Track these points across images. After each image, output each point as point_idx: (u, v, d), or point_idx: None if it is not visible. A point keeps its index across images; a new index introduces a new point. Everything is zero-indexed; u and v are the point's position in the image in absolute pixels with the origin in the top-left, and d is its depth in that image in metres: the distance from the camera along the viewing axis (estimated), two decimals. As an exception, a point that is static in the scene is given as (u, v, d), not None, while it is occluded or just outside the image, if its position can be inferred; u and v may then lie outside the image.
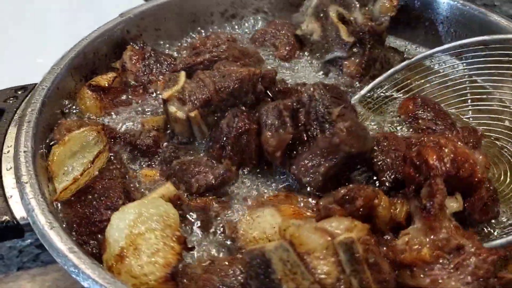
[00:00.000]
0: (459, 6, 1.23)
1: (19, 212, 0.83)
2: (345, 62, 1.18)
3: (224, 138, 0.93)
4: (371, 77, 1.18)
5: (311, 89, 0.89)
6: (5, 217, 0.81)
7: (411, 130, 1.06)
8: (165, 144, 0.98)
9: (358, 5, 1.22)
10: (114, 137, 0.98)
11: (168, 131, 1.01)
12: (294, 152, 0.88)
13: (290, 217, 0.78)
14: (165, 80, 0.96)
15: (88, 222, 0.83)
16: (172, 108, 0.94)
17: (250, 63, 1.16)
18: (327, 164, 0.84)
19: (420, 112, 1.05)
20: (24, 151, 0.88)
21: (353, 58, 1.18)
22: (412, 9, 1.29)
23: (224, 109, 0.96)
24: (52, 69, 1.06)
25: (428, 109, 1.05)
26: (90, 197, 0.86)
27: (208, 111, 0.96)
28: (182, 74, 0.95)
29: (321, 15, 1.24)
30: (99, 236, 0.81)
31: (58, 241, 0.74)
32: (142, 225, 0.73)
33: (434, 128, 1.02)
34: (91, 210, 0.84)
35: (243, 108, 0.97)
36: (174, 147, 0.95)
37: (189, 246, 0.73)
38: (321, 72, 1.23)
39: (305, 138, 0.88)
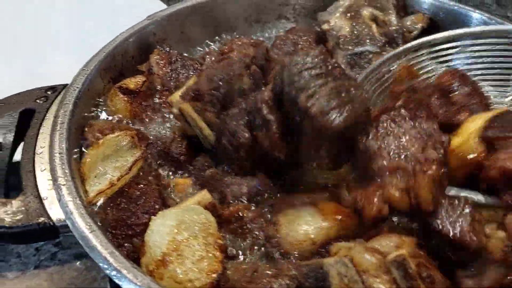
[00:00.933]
0: (486, 19, 1.25)
1: (54, 213, 0.83)
2: (375, 57, 1.20)
3: (236, 155, 0.90)
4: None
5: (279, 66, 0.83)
6: (42, 219, 0.82)
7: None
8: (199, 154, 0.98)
9: (394, 11, 1.26)
10: (145, 142, 0.99)
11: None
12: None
13: (333, 216, 0.79)
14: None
15: (124, 225, 0.83)
16: (173, 109, 0.94)
17: (277, 70, 1.17)
18: (323, 147, 0.79)
19: (455, 85, 1.00)
20: (59, 153, 0.88)
21: (384, 54, 1.19)
22: (443, 22, 1.30)
23: (222, 102, 0.94)
24: (82, 70, 1.06)
25: (466, 84, 0.99)
26: (125, 201, 0.87)
27: (202, 105, 0.93)
28: (193, 78, 0.95)
29: (353, 14, 1.27)
30: (135, 239, 0.82)
31: (98, 244, 0.74)
32: (185, 231, 0.74)
33: (467, 104, 0.96)
34: (127, 214, 0.84)
35: (235, 111, 0.92)
36: (208, 157, 0.95)
37: (230, 254, 0.74)
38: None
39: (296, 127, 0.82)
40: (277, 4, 1.39)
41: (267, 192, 0.88)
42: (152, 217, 0.79)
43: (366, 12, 1.27)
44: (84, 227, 0.76)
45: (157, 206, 0.84)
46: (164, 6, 1.70)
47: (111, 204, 0.87)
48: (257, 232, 0.83)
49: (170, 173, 0.97)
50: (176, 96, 0.95)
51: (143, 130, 1.05)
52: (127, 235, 0.82)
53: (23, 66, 1.62)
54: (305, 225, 0.81)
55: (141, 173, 0.92)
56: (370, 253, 0.67)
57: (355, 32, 1.25)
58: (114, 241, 0.81)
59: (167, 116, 1.10)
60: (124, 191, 0.89)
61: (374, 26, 1.25)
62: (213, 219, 0.77)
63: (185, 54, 1.26)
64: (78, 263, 1.33)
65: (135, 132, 0.96)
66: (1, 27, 1.76)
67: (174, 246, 0.72)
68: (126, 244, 0.81)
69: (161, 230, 0.75)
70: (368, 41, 1.23)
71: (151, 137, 1.03)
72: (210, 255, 0.71)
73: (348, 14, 1.28)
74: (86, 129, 1.00)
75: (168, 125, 1.08)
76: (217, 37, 1.36)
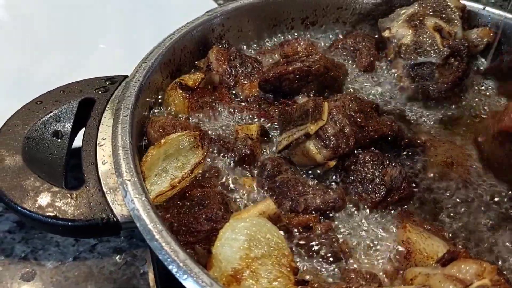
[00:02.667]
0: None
1: (117, 209, 0.81)
2: (438, 69, 1.17)
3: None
4: (460, 90, 1.18)
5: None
6: (105, 214, 0.79)
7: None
8: (266, 156, 0.95)
9: (460, 23, 1.21)
10: (207, 141, 0.96)
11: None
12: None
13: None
14: (309, 107, 0.93)
15: (186, 231, 0.80)
16: (312, 148, 0.90)
17: (339, 76, 1.14)
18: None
19: None
20: (123, 147, 0.85)
21: (448, 67, 1.16)
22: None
23: None
24: (143, 63, 1.03)
25: None
26: (187, 204, 0.84)
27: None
28: (326, 106, 0.91)
29: (416, 23, 1.23)
30: (197, 246, 0.79)
31: (167, 246, 0.72)
32: (257, 249, 0.71)
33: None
34: (189, 219, 0.81)
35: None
36: (277, 161, 0.92)
37: (303, 279, 0.71)
38: (400, 85, 1.20)
39: None
40: (336, 7, 1.36)
41: (343, 208, 0.85)
42: (221, 229, 0.76)
43: (431, 22, 1.23)
44: (151, 227, 0.74)
45: (220, 213, 0.81)
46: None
47: (172, 206, 0.85)
48: (326, 248, 0.80)
49: (233, 173, 0.94)
50: (316, 154, 0.91)
51: (202, 127, 1.03)
52: (189, 241, 0.79)
53: (71, 58, 1.62)
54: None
55: (206, 174, 0.89)
56: (450, 282, 0.63)
57: (418, 42, 1.21)
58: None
59: (224, 113, 1.07)
60: (186, 192, 0.87)
61: (438, 37, 1.21)
62: (285, 243, 0.74)
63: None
64: (117, 257, 1.31)
65: (198, 133, 0.93)
66: (56, 20, 1.77)
67: (247, 263, 0.70)
68: (188, 251, 0.78)
69: (232, 245, 0.72)
70: (431, 52, 1.19)
71: (211, 134, 1.00)
72: (285, 276, 0.68)
73: (412, 23, 1.25)
74: (147, 124, 0.98)
75: (224, 122, 1.05)
76: (272, 37, 1.34)
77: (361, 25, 1.38)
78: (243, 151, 0.96)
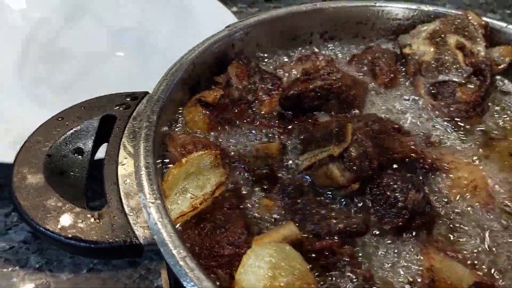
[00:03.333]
0: None
1: (140, 231, 0.80)
2: (460, 88, 1.15)
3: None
4: (481, 110, 1.16)
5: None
6: (128, 237, 0.78)
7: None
8: (287, 176, 0.94)
9: (483, 40, 1.20)
10: (228, 160, 0.96)
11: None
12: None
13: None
14: (332, 127, 0.92)
15: (207, 255, 0.80)
16: (335, 170, 0.89)
17: (360, 93, 1.13)
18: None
19: None
20: (146, 167, 0.85)
21: (470, 86, 1.15)
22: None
23: None
24: (164, 79, 1.03)
25: None
26: (208, 226, 0.83)
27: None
28: (349, 127, 0.90)
29: (438, 40, 1.22)
30: (219, 271, 0.78)
31: (191, 273, 0.71)
32: (282, 277, 0.70)
33: None
34: (211, 242, 0.80)
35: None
36: (299, 182, 0.91)
37: None
38: (421, 103, 1.18)
39: None
40: (355, 22, 1.35)
41: (366, 234, 0.84)
42: (244, 255, 0.75)
43: (453, 39, 1.22)
44: (175, 253, 0.73)
45: (242, 237, 0.81)
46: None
47: (193, 228, 0.84)
48: (349, 273, 0.79)
49: (253, 193, 0.93)
50: (339, 176, 0.90)
51: (222, 144, 1.02)
52: (210, 265, 0.79)
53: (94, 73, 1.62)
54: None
55: (226, 194, 0.89)
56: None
57: (440, 59, 1.20)
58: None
59: (244, 130, 1.06)
60: (207, 214, 0.87)
61: (460, 55, 1.19)
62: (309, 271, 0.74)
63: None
64: (131, 270, 1.31)
65: (218, 152, 0.93)
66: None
67: (271, 292, 0.69)
68: (211, 275, 0.78)
69: (256, 272, 0.72)
70: (453, 70, 1.18)
71: (231, 153, 1.00)
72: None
73: (433, 40, 1.23)
74: (167, 141, 0.98)
75: (243, 140, 1.05)
76: (290, 52, 1.33)
77: (380, 40, 1.37)
78: (263, 170, 0.95)
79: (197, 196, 0.89)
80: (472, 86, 1.15)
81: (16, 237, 1.35)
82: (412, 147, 0.99)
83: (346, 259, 0.81)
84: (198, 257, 0.79)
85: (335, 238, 0.83)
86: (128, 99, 1.02)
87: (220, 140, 1.04)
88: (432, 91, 1.19)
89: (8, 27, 1.72)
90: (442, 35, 1.23)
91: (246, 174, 0.95)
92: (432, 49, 1.22)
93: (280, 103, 1.09)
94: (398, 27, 1.35)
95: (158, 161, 0.93)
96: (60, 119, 0.96)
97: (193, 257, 0.74)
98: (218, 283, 0.76)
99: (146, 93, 1.03)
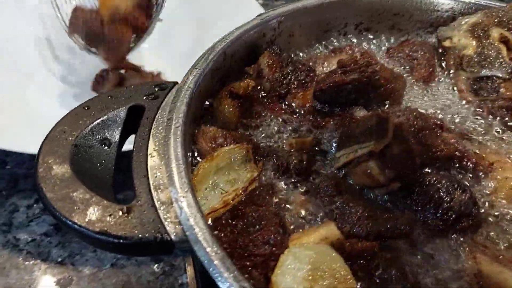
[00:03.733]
0: None
1: (171, 227, 0.76)
2: (504, 84, 1.09)
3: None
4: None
5: None
6: (159, 232, 0.74)
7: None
8: (323, 173, 0.89)
9: None
10: (260, 155, 0.91)
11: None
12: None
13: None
14: (372, 123, 0.87)
15: (241, 254, 0.75)
16: (375, 167, 0.83)
17: (398, 87, 1.07)
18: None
19: None
20: (176, 160, 0.80)
21: None
22: None
23: None
24: (194, 69, 0.98)
25: None
26: (241, 223, 0.79)
27: None
28: (391, 123, 0.84)
29: (480, 33, 1.16)
30: (254, 271, 0.74)
31: (224, 270, 0.67)
32: (321, 280, 0.66)
33: None
34: (245, 241, 0.76)
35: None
36: (335, 180, 0.86)
37: None
38: (462, 99, 1.12)
39: None
40: (392, 13, 1.28)
41: (408, 235, 0.78)
42: (281, 255, 0.71)
43: (496, 33, 1.15)
44: (209, 250, 0.69)
45: (278, 236, 0.76)
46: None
47: (224, 225, 0.80)
48: (392, 277, 0.74)
49: (287, 190, 0.88)
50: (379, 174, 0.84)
51: (253, 138, 0.97)
52: (244, 265, 0.74)
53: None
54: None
55: (259, 191, 0.84)
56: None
57: (482, 54, 1.14)
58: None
59: (276, 124, 1.02)
60: (240, 210, 0.82)
61: (504, 49, 1.13)
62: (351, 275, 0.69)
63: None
64: (155, 266, 1.28)
65: (250, 146, 0.89)
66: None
67: (311, 295, 0.64)
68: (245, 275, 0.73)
69: (294, 274, 0.67)
70: (496, 65, 1.12)
71: (262, 147, 0.95)
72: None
73: (475, 33, 1.17)
74: (197, 134, 0.93)
75: (275, 134, 1.00)
76: (323, 43, 1.27)
77: (418, 32, 1.31)
78: (298, 166, 0.90)
79: (228, 192, 0.84)
80: None
81: (38, 230, 1.32)
82: (456, 145, 0.94)
83: (388, 263, 0.75)
84: (231, 256, 0.75)
85: (377, 239, 0.78)
86: (156, 89, 0.98)
87: (251, 133, 0.99)
88: (474, 87, 1.12)
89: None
90: (485, 28, 1.17)
91: (279, 170, 0.90)
92: (474, 43, 1.16)
93: (315, 96, 1.04)
94: (437, 19, 1.28)
95: (188, 154, 0.89)
96: (86, 108, 0.93)
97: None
98: (253, 284, 0.71)
99: (175, 83, 0.99)
